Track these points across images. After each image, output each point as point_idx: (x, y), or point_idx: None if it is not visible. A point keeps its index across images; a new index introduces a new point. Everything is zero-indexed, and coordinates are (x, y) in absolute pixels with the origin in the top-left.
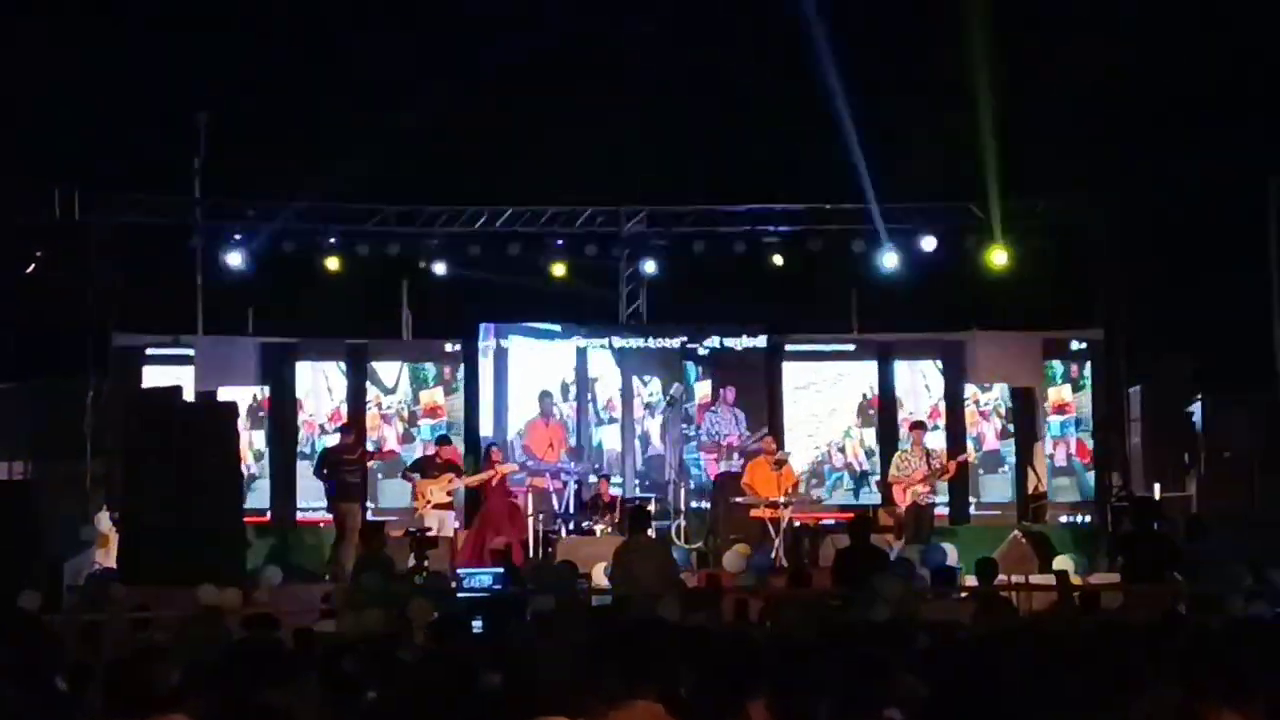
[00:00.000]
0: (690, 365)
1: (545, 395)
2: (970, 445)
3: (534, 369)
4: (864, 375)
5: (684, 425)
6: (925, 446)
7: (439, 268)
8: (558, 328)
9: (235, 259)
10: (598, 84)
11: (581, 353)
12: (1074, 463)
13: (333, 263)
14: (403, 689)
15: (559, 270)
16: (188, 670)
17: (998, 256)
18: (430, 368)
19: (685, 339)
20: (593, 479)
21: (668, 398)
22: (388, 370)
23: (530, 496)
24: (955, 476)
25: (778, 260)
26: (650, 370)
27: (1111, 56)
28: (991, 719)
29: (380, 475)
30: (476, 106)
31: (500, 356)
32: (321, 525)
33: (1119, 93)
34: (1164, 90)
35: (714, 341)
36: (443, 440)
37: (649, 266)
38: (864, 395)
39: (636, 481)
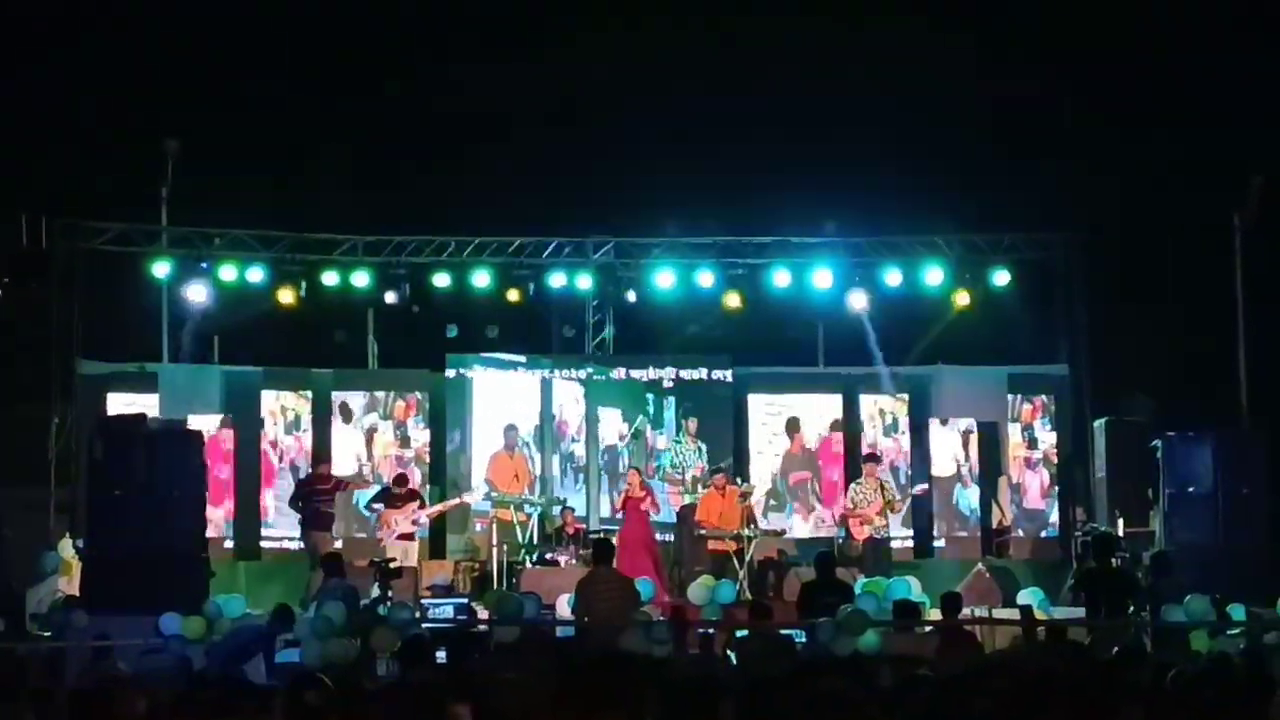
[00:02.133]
0: (654, 397)
1: (510, 429)
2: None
3: (499, 400)
4: (831, 409)
5: (647, 456)
6: (879, 478)
7: (405, 297)
8: (523, 359)
9: (201, 288)
10: (567, 114)
11: (546, 384)
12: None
13: (299, 292)
14: (369, 719)
15: (526, 300)
16: (153, 700)
17: (962, 294)
18: (389, 406)
19: (651, 370)
20: (556, 510)
21: (632, 430)
22: (353, 400)
23: (494, 528)
24: (915, 509)
25: (744, 294)
26: (615, 402)
27: (1077, 91)
28: None
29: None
30: (444, 137)
31: (465, 387)
32: (289, 552)
33: (1083, 128)
34: (1128, 126)
35: (680, 373)
36: (400, 479)
37: (616, 298)
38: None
39: (599, 508)
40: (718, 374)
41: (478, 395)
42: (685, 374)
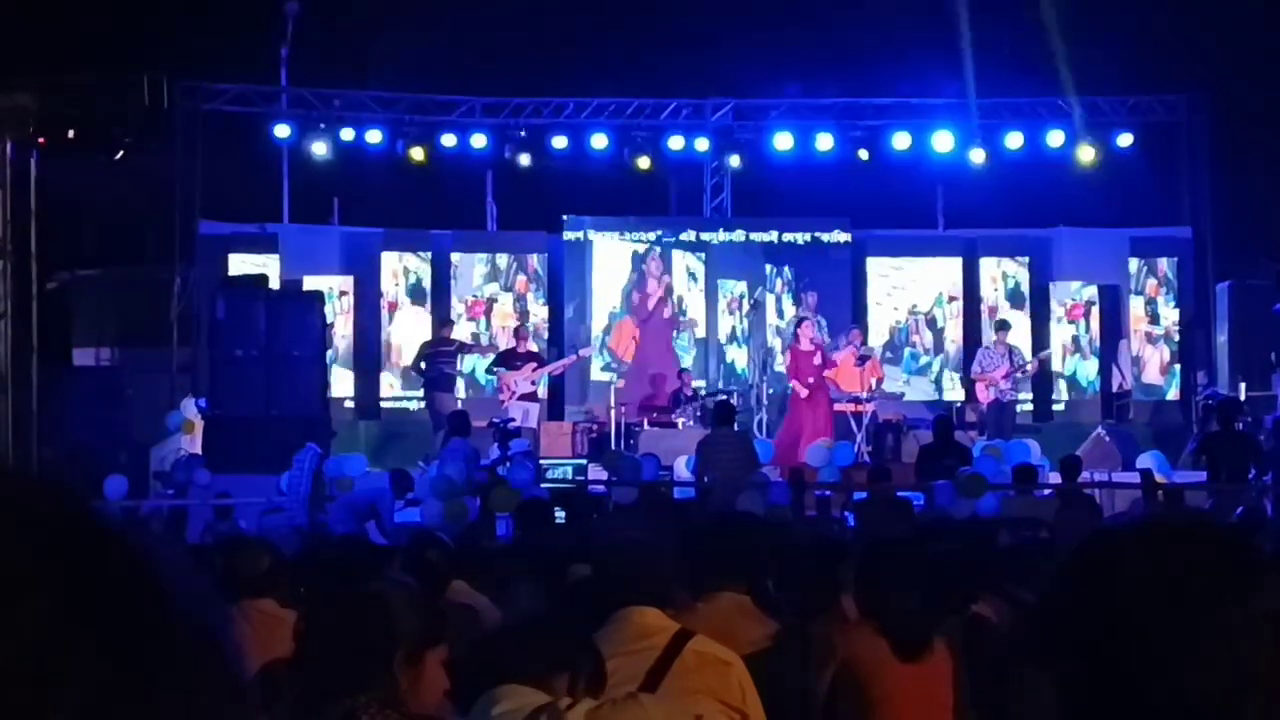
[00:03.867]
0: (773, 269)
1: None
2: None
3: (617, 266)
4: (949, 271)
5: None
6: (1008, 344)
7: (524, 160)
8: (641, 223)
9: (321, 148)
10: None
11: (666, 253)
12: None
13: (418, 154)
14: (490, 578)
15: (643, 163)
16: (276, 556)
17: (1086, 153)
18: (510, 278)
19: (768, 233)
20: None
21: (751, 301)
22: (471, 262)
23: (613, 392)
24: (1037, 373)
25: (864, 155)
26: (734, 274)
27: None
28: (1108, 620)
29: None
30: None
31: (584, 250)
32: (408, 412)
33: None
34: None
35: (797, 236)
36: (518, 333)
37: (734, 160)
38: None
39: (719, 379)
40: (836, 236)
41: (596, 259)
42: (803, 236)
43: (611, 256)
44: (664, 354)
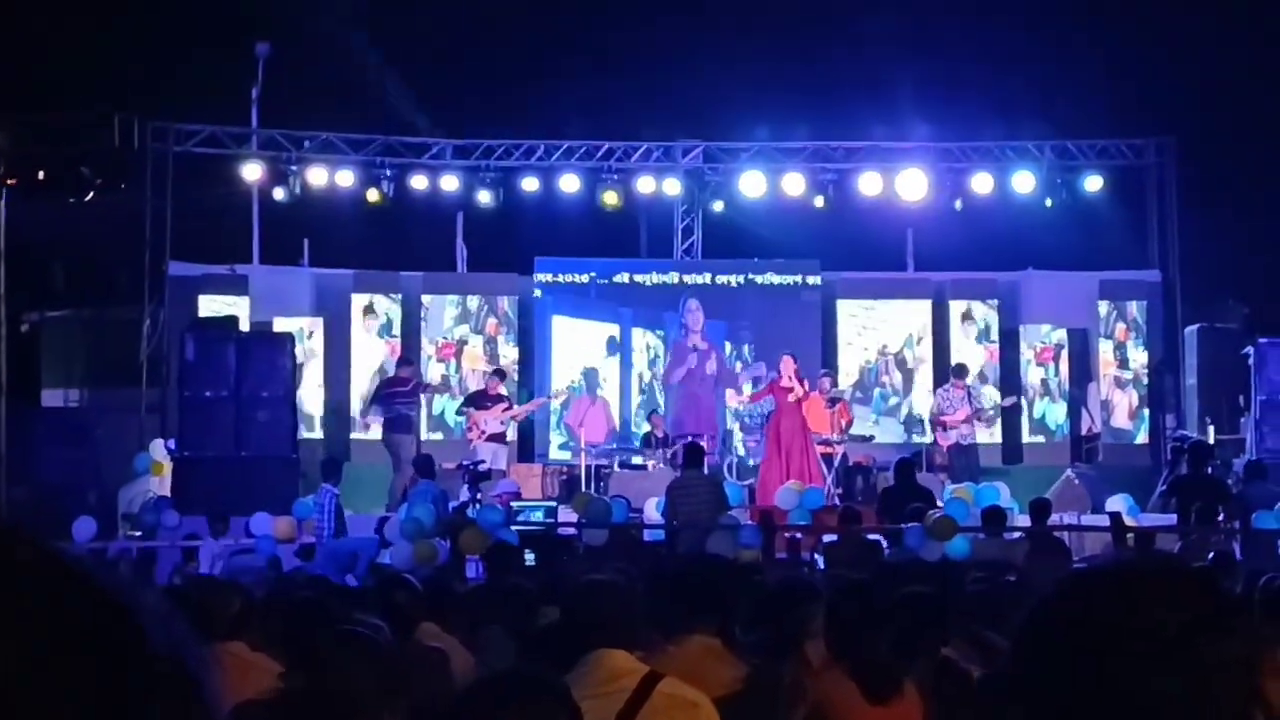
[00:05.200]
0: (732, 349)
1: (591, 372)
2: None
3: (575, 343)
4: (918, 314)
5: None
6: (966, 385)
7: (494, 201)
8: (611, 266)
9: (291, 190)
10: (659, 16)
11: (625, 331)
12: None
13: (388, 195)
14: (460, 621)
15: (611, 199)
16: (247, 599)
17: (1055, 196)
18: (481, 320)
19: (738, 275)
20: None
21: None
22: (441, 304)
23: (582, 435)
24: (999, 418)
25: (833, 199)
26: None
27: None
28: (1081, 663)
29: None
30: (535, 39)
31: (553, 293)
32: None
33: (1179, 33)
34: (1225, 31)
35: (768, 277)
36: (497, 373)
37: (717, 205)
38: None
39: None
40: (806, 278)
41: (556, 337)
42: (773, 278)
43: (570, 333)
44: (702, 415)
